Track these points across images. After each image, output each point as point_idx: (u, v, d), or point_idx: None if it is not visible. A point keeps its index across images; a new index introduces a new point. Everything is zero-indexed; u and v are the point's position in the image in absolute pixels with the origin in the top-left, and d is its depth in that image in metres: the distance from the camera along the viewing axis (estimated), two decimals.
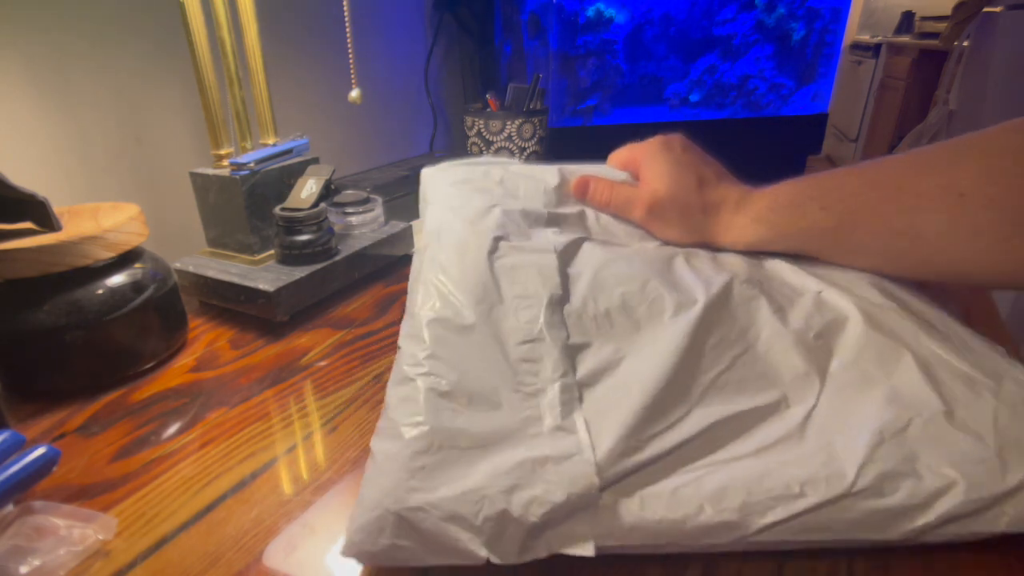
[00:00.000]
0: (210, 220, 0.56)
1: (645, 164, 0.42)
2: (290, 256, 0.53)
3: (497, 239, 0.37)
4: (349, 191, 0.63)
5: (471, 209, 0.40)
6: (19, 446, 0.31)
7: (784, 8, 1.31)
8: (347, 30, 0.58)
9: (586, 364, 0.32)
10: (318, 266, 0.53)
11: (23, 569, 0.27)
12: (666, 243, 0.42)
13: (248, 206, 0.53)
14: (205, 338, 0.50)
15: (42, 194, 0.40)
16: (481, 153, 0.94)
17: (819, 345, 0.33)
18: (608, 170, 0.46)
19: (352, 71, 0.60)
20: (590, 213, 0.43)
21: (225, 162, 0.54)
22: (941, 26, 1.79)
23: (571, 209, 0.43)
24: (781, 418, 0.30)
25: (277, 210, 0.53)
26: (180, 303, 0.48)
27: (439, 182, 0.44)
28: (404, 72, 1.07)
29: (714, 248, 0.42)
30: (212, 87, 0.53)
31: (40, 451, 0.31)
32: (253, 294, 0.50)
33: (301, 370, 0.45)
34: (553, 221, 0.41)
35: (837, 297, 0.35)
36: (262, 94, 0.57)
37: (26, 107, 0.55)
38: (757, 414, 0.30)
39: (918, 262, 0.36)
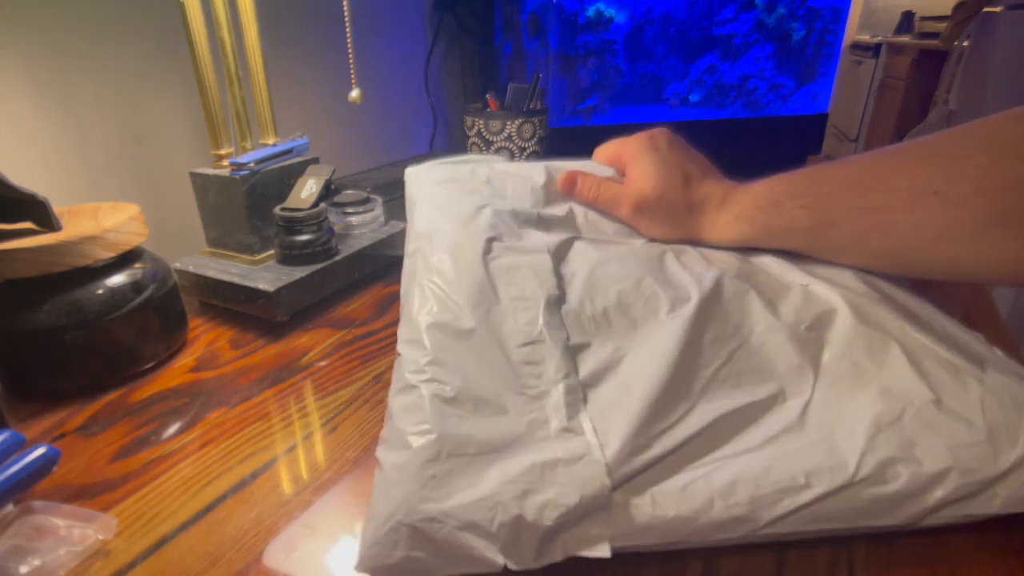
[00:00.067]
0: (210, 220, 0.56)
1: (631, 162, 0.43)
2: (290, 256, 0.53)
3: (490, 240, 0.37)
4: (349, 191, 0.63)
5: (461, 209, 0.40)
6: (19, 446, 0.31)
7: (784, 8, 1.31)
8: (347, 30, 0.58)
9: (587, 364, 0.32)
10: (318, 266, 0.53)
11: (23, 569, 0.27)
12: (653, 240, 0.42)
13: (248, 206, 0.53)
14: (205, 338, 0.50)
15: (42, 194, 0.40)
16: (482, 153, 0.94)
17: (811, 337, 0.33)
18: (594, 166, 0.46)
19: (352, 71, 0.60)
20: (578, 210, 0.43)
21: (225, 162, 0.54)
22: (941, 26, 1.79)
23: (559, 207, 0.43)
24: (780, 410, 0.31)
25: (277, 210, 0.53)
26: (180, 303, 0.48)
27: (424, 182, 0.43)
28: (404, 72, 1.07)
29: (700, 245, 0.42)
30: (212, 87, 0.53)
31: (40, 451, 0.31)
32: (253, 294, 0.50)
33: (301, 370, 0.45)
34: (542, 220, 0.41)
35: (824, 290, 0.36)
36: (262, 94, 0.57)
37: (26, 107, 0.55)
38: (757, 407, 0.30)
39: (896, 259, 0.37)
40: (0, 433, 0.31)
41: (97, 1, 0.59)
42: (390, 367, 0.33)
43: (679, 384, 0.30)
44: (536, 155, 0.95)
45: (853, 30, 2.88)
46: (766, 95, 1.39)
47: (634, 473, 0.27)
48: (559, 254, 0.38)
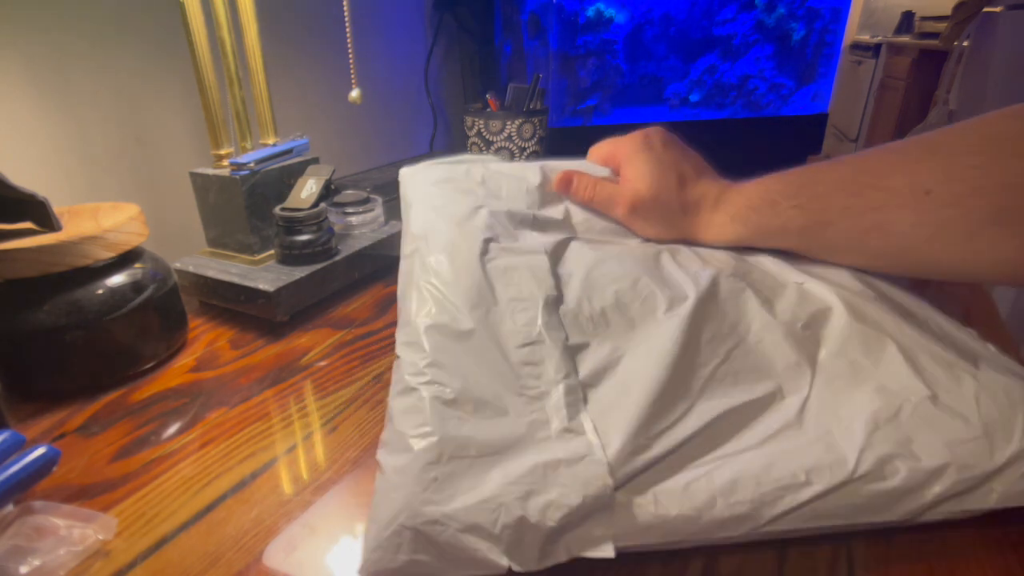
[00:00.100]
0: (210, 220, 0.56)
1: (626, 161, 0.42)
2: (290, 256, 0.53)
3: (487, 241, 0.37)
4: (349, 191, 0.63)
5: (457, 210, 0.39)
6: (19, 446, 0.31)
7: (784, 8, 1.31)
8: (347, 30, 0.58)
9: (586, 364, 0.32)
10: (318, 266, 0.53)
11: (23, 569, 0.27)
12: (648, 240, 0.42)
13: (248, 206, 0.53)
14: (205, 338, 0.50)
15: (42, 194, 0.40)
16: (482, 153, 0.94)
17: (807, 335, 0.34)
18: (589, 166, 0.46)
19: (352, 71, 0.60)
20: (574, 210, 0.43)
21: (225, 162, 0.54)
22: (941, 26, 1.79)
23: (555, 208, 0.43)
24: (778, 408, 0.31)
25: (277, 210, 0.53)
26: (180, 303, 0.48)
27: (420, 182, 0.43)
28: (404, 72, 1.07)
29: (695, 245, 0.42)
30: (212, 87, 0.53)
31: (40, 451, 0.31)
32: (253, 294, 0.50)
33: (301, 370, 0.45)
34: (538, 221, 0.41)
35: (819, 288, 0.36)
36: (262, 94, 0.57)
37: (26, 107, 0.55)
38: (755, 405, 0.31)
39: (892, 259, 0.37)
40: (0, 433, 0.31)
41: (97, 1, 0.59)
42: (390, 367, 0.34)
43: (678, 383, 0.30)
44: (536, 155, 0.95)
45: (853, 30, 2.88)
46: (766, 95, 1.39)
47: (636, 472, 0.27)
48: (556, 255, 0.38)
